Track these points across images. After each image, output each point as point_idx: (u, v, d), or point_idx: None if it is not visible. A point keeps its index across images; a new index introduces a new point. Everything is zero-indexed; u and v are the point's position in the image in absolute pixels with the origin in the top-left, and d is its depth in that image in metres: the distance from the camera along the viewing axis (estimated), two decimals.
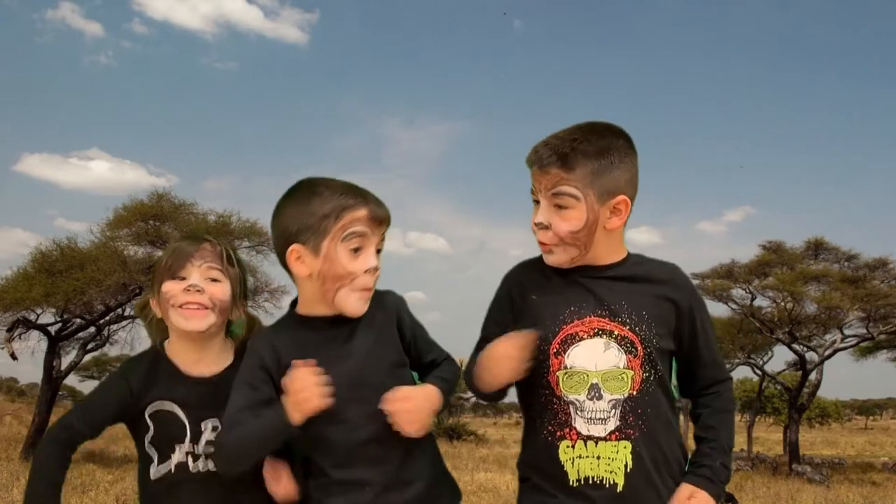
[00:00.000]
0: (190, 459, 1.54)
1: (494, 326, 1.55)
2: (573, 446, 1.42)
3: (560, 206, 1.44)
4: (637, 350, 1.44)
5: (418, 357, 1.55)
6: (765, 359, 19.55)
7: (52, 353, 11.81)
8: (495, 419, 52.28)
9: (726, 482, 1.47)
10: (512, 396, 1.57)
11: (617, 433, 1.41)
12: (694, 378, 1.55)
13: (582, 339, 1.44)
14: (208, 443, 1.54)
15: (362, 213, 1.44)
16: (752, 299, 16.02)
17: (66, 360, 12.33)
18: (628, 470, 1.40)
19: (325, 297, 1.46)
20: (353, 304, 1.46)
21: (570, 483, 1.41)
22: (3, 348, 11.43)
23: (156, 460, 1.55)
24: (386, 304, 1.54)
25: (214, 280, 1.56)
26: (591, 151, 1.43)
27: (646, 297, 1.48)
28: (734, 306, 16.37)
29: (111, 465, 9.43)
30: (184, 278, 1.54)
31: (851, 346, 16.26)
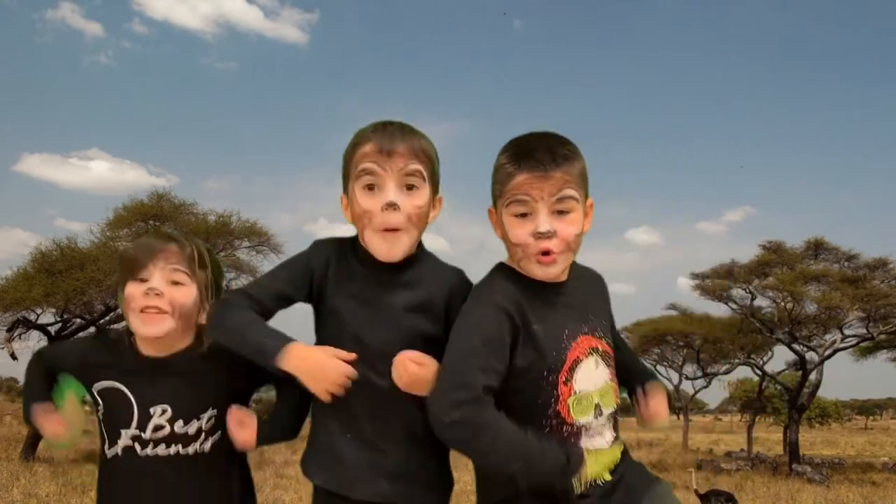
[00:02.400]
0: (137, 445, 1.47)
1: (496, 364, 1.33)
2: None
3: (562, 212, 1.38)
4: (613, 361, 1.48)
5: None
6: (765, 359, 19.56)
7: None
8: None
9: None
10: None
11: (613, 441, 1.45)
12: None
13: (581, 361, 1.41)
14: (157, 428, 1.47)
15: (368, 147, 1.39)
16: (752, 299, 16.02)
17: None
18: (615, 466, 1.44)
19: (363, 241, 1.44)
20: (377, 245, 1.41)
21: (575, 492, 1.39)
22: (3, 348, 11.43)
23: (107, 441, 1.50)
24: (443, 278, 1.48)
25: (178, 283, 1.48)
26: (577, 152, 1.41)
27: (599, 302, 1.52)
28: (734, 306, 16.39)
29: None
30: (145, 280, 1.47)
31: (851, 346, 16.26)
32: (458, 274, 1.50)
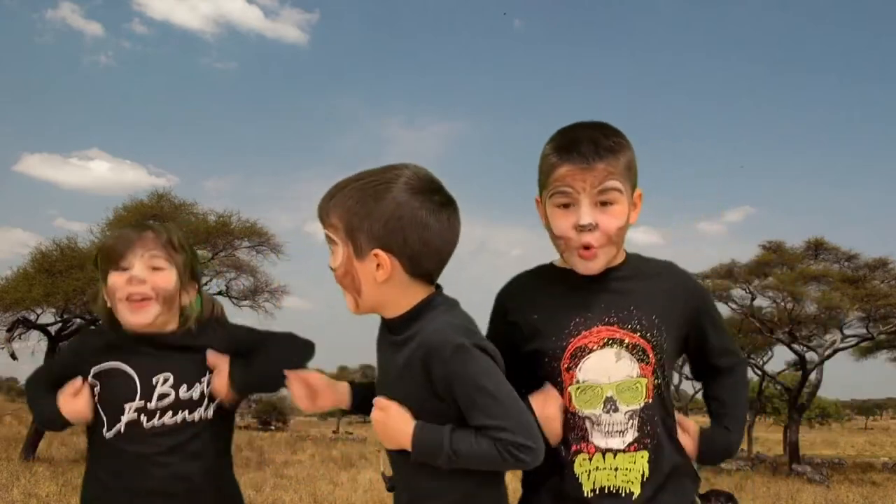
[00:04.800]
0: (144, 417, 1.51)
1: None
2: (590, 459, 1.37)
3: (605, 203, 1.37)
4: (649, 357, 1.39)
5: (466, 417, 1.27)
6: (765, 359, 19.59)
7: (52, 353, 11.81)
8: None
9: (727, 448, 1.50)
10: None
11: (636, 444, 1.38)
12: (707, 366, 1.55)
13: (592, 350, 1.38)
14: (162, 396, 1.51)
15: None
16: (752, 299, 16.04)
17: None
18: (645, 479, 1.37)
19: None
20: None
21: (585, 494, 1.36)
22: (3, 348, 11.46)
23: (106, 423, 1.52)
24: (426, 335, 1.27)
25: (157, 269, 1.54)
26: (624, 143, 1.40)
27: (654, 298, 1.43)
28: (734, 306, 16.40)
29: None
30: (126, 269, 1.52)
31: (851, 346, 16.29)
32: (445, 334, 1.25)
